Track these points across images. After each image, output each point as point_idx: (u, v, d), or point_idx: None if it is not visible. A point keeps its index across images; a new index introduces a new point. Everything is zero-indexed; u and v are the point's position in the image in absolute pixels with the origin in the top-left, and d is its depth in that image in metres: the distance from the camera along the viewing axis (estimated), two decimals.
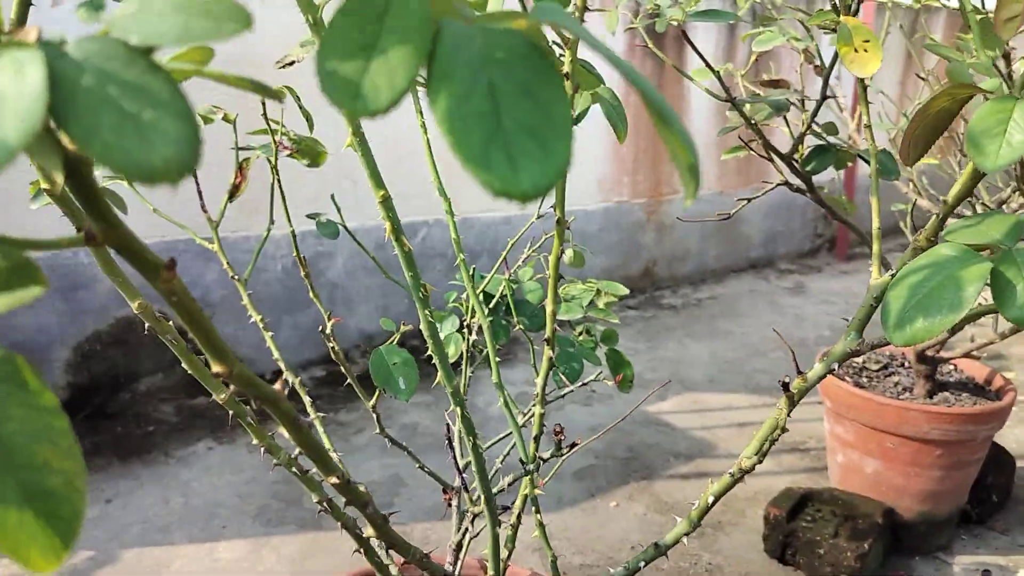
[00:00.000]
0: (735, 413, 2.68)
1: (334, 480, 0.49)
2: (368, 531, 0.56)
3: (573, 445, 0.90)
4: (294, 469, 0.89)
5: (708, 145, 3.98)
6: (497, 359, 1.03)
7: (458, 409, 0.78)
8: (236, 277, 1.08)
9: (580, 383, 1.25)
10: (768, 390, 2.86)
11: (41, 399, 0.28)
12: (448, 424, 1.07)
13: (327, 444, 1.02)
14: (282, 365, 1.09)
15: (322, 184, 2.69)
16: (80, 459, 0.28)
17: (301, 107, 0.98)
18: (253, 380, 0.43)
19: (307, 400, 1.07)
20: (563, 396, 1.22)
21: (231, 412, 0.83)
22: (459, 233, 1.05)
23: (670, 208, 3.94)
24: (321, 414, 1.07)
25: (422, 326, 0.74)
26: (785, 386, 0.71)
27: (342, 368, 0.99)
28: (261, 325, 1.06)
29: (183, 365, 0.79)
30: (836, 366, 0.83)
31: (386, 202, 0.66)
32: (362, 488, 0.52)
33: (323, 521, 1.97)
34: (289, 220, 1.15)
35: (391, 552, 1.12)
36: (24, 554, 0.26)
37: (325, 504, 0.90)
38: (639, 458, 2.33)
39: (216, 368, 0.41)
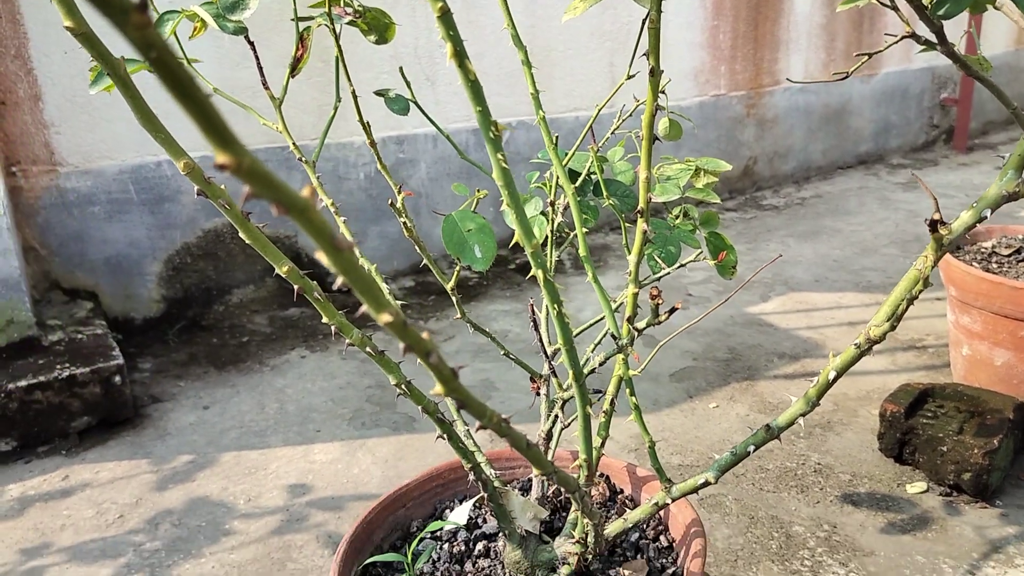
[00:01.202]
0: (843, 312, 2.51)
1: (387, 317, 0.40)
2: (436, 389, 0.47)
3: (673, 310, 0.80)
4: (368, 349, 0.83)
5: (812, 31, 3.69)
6: (585, 231, 0.93)
7: (539, 273, 0.69)
8: (320, 184, 1.00)
9: (678, 265, 1.15)
10: (881, 287, 2.67)
11: None
12: (533, 306, 0.98)
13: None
14: (377, 279, 1.02)
15: (399, 86, 2.59)
16: None
17: None
18: (269, 178, 0.34)
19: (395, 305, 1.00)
20: (658, 279, 1.11)
21: (324, 321, 0.77)
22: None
23: (772, 100, 3.69)
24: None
25: (495, 174, 0.64)
26: (933, 224, 0.59)
27: (421, 252, 0.91)
28: (348, 233, 0.98)
29: (273, 271, 0.73)
30: (988, 213, 0.70)
31: (445, 17, 0.56)
32: (425, 335, 0.44)
33: (416, 424, 1.95)
34: (357, 106, 1.05)
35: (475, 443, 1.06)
36: None
37: (404, 387, 0.83)
38: (740, 359, 2.22)
39: (220, 159, 0.33)
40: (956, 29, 3.90)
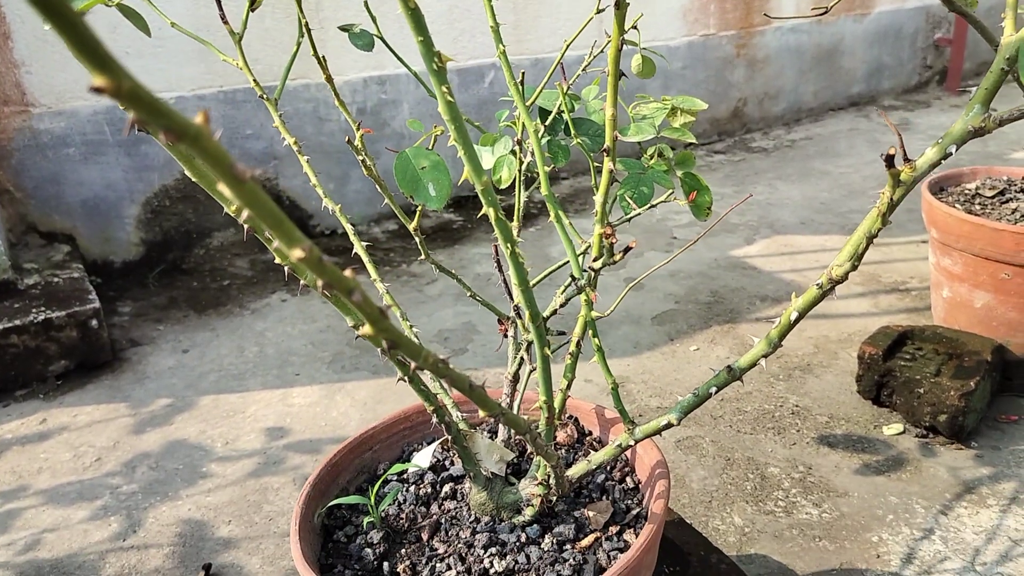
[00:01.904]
0: (828, 255, 2.50)
1: (299, 253, 0.38)
2: (364, 330, 0.46)
3: (627, 249, 0.78)
4: (322, 291, 0.81)
5: None
6: (547, 171, 0.90)
7: (491, 211, 0.67)
8: (296, 143, 0.96)
9: (649, 205, 1.13)
10: None
11: None
12: (496, 247, 0.96)
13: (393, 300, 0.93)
14: (342, 220, 1.00)
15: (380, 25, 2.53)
16: None
17: None
18: (156, 103, 0.32)
19: (363, 251, 0.98)
20: (628, 220, 1.10)
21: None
22: (531, 76, 0.91)
23: (762, 41, 3.62)
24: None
25: (440, 107, 0.62)
26: (889, 160, 0.57)
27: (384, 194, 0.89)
28: (312, 173, 0.96)
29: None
30: (954, 149, 0.68)
31: None
32: (349, 272, 0.42)
33: (395, 368, 1.94)
34: (312, 40, 1.01)
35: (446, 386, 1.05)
36: None
37: (358, 326, 0.82)
38: (722, 302, 2.21)
39: (97, 81, 0.31)
40: None
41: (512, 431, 1.03)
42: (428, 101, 2.82)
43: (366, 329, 0.48)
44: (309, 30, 0.91)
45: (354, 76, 2.65)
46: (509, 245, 0.69)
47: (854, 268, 0.72)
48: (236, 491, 1.54)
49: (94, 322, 1.93)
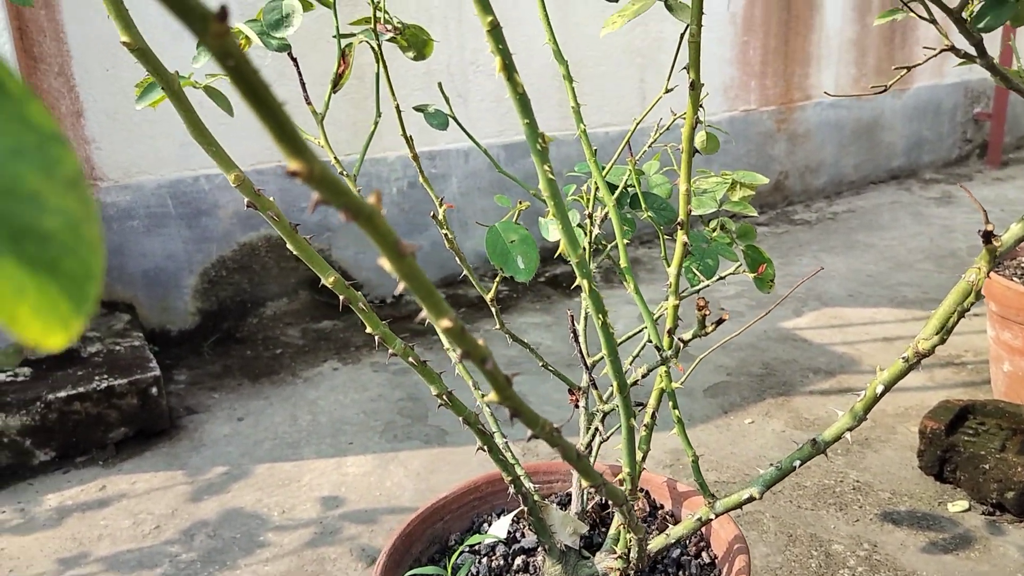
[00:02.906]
0: (879, 328, 2.48)
1: (446, 323, 0.40)
2: (490, 397, 0.47)
3: (720, 322, 0.80)
4: (411, 359, 0.83)
5: (843, 46, 3.67)
6: (626, 242, 0.93)
7: (584, 283, 0.69)
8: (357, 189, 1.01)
9: (717, 277, 1.14)
10: (916, 303, 2.64)
11: (26, 109, 0.20)
12: (572, 315, 0.98)
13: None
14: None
15: (431, 102, 2.61)
16: (89, 201, 0.21)
17: None
18: (338, 185, 0.35)
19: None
20: (697, 291, 1.11)
21: (360, 325, 0.77)
22: (576, 151, 0.94)
23: (802, 116, 3.67)
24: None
25: (541, 185, 0.64)
26: (987, 236, 0.58)
27: (458, 259, 0.91)
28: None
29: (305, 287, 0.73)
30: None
31: (495, 32, 0.56)
32: (480, 341, 0.44)
33: (448, 437, 1.95)
34: (401, 120, 1.05)
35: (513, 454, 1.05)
36: (9, 311, 0.19)
37: (445, 397, 0.83)
38: (775, 374, 2.20)
39: (293, 166, 0.33)
40: (992, 43, 3.85)
41: (584, 504, 1.03)
42: (475, 175, 2.89)
43: (491, 396, 0.49)
44: (399, 111, 0.95)
45: (406, 152, 2.72)
46: (600, 316, 0.71)
47: (942, 342, 0.72)
48: (294, 561, 1.54)
49: (154, 390, 1.96)
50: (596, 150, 1.01)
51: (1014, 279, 1.74)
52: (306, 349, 2.49)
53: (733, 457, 1.82)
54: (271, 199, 0.74)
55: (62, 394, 1.88)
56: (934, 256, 3.07)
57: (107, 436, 1.93)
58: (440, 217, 0.91)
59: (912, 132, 4.13)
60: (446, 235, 0.92)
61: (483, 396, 1.04)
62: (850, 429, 0.79)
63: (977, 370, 2.15)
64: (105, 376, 1.95)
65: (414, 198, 2.77)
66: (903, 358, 0.75)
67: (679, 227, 0.97)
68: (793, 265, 3.06)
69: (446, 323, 0.41)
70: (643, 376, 0.84)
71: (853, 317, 2.56)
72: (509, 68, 0.59)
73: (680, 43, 1.01)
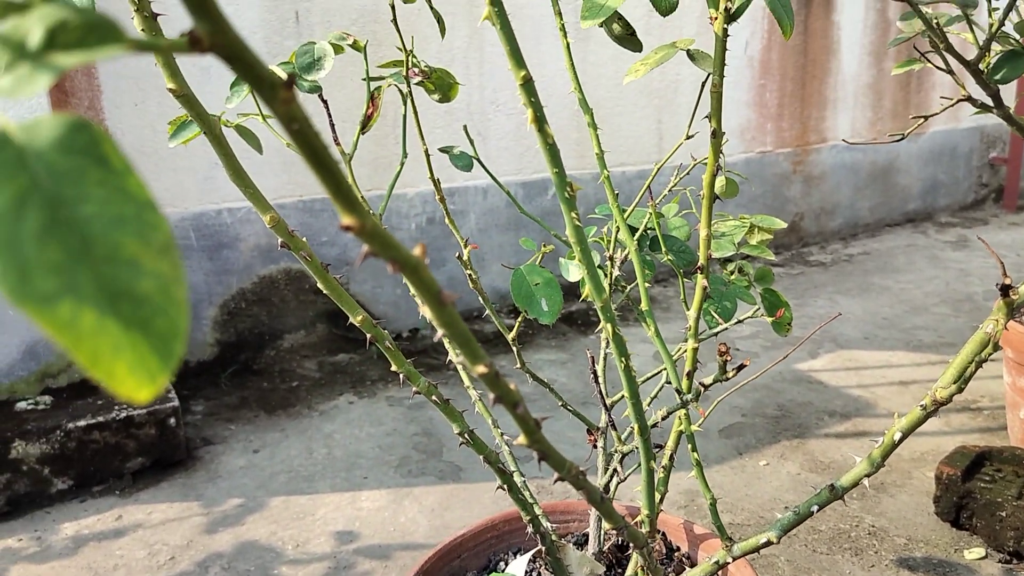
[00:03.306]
0: (894, 371, 2.48)
1: (481, 369, 0.42)
2: (520, 440, 0.49)
3: (741, 367, 0.81)
4: (434, 397, 0.84)
5: (859, 90, 3.71)
6: (647, 285, 0.94)
7: (608, 327, 0.70)
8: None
9: (735, 320, 1.16)
10: (932, 347, 2.63)
11: (127, 182, 0.22)
12: (592, 357, 0.99)
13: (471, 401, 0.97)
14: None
15: (452, 141, 2.65)
16: (179, 264, 0.23)
17: (432, 8, 0.92)
18: (388, 239, 0.37)
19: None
20: (716, 334, 1.12)
21: (373, 354, 0.79)
22: (593, 191, 0.97)
23: (818, 158, 3.70)
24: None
25: (568, 231, 0.66)
26: (1005, 289, 0.60)
27: (482, 298, 0.93)
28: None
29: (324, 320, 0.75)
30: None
31: (527, 85, 0.59)
32: (512, 386, 0.46)
33: (462, 473, 1.95)
34: (430, 164, 1.08)
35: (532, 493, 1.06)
36: (107, 368, 0.21)
37: (467, 436, 0.85)
38: (790, 416, 2.19)
39: (346, 221, 0.35)
40: (1008, 92, 3.88)
41: (601, 544, 1.03)
42: (493, 212, 2.92)
43: (521, 440, 0.51)
44: (428, 154, 0.97)
45: (425, 188, 2.76)
46: (623, 360, 0.72)
47: (960, 391, 0.73)
48: None
49: (172, 420, 1.98)
50: (618, 194, 1.04)
51: None
52: (322, 382, 2.50)
53: (748, 499, 1.81)
54: (304, 239, 0.76)
55: (82, 423, 1.90)
56: (950, 300, 3.07)
57: (124, 466, 1.95)
58: (465, 258, 0.93)
59: (928, 176, 4.15)
60: (470, 276, 0.94)
61: (501, 434, 1.05)
62: (868, 475, 0.80)
63: (993, 416, 2.14)
64: (124, 406, 1.97)
65: (432, 234, 2.80)
66: (921, 406, 0.76)
67: (699, 271, 0.99)
68: (808, 307, 3.06)
69: (482, 369, 0.43)
70: (663, 419, 0.85)
71: (869, 360, 2.56)
72: (540, 120, 0.61)
73: (701, 91, 1.03)
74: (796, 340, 2.73)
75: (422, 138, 0.96)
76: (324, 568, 1.62)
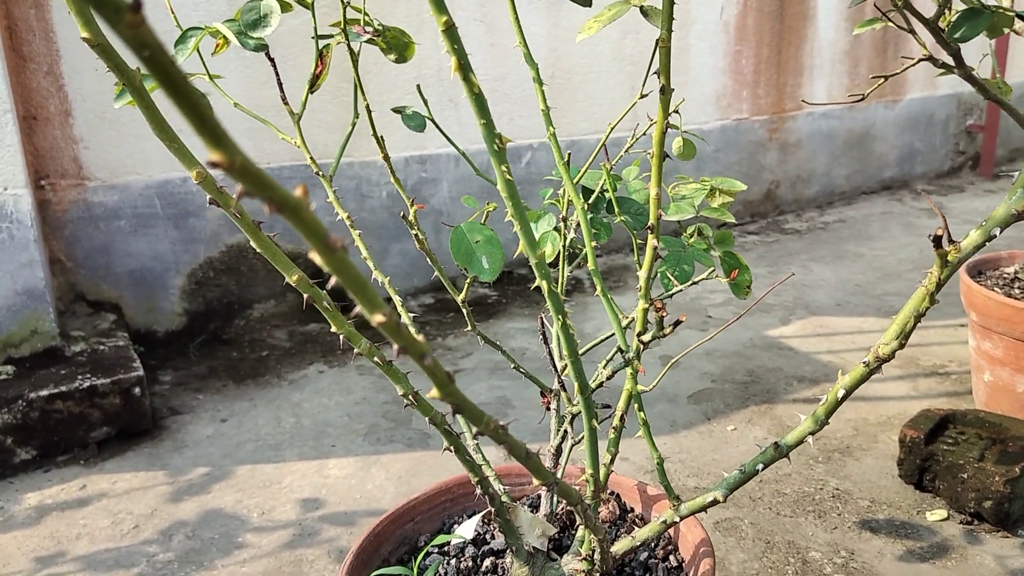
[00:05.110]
0: (865, 337, 2.49)
1: (379, 317, 0.41)
2: (432, 393, 0.48)
3: (677, 323, 0.80)
4: (375, 359, 0.83)
5: (836, 57, 3.69)
6: (594, 246, 0.93)
7: (544, 284, 0.69)
8: (349, 219, 1.02)
9: (691, 282, 1.15)
10: None
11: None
12: (543, 319, 0.98)
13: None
14: (390, 291, 1.03)
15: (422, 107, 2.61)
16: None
17: None
18: (261, 176, 0.35)
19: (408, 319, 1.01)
20: (671, 296, 1.11)
21: (342, 337, 0.77)
22: (566, 156, 0.94)
23: (794, 125, 3.68)
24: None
25: (499, 186, 0.65)
26: (937, 240, 0.59)
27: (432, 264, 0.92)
28: (362, 246, 1.00)
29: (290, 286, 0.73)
30: (997, 231, 0.70)
31: (450, 31, 0.57)
32: (421, 338, 0.45)
33: (430, 441, 1.95)
34: (372, 120, 1.06)
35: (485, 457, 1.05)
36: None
37: (411, 398, 0.84)
38: (759, 382, 2.20)
39: (213, 156, 0.34)
40: (977, 53, 3.88)
41: (554, 507, 1.03)
42: (466, 180, 2.89)
43: (433, 392, 0.49)
44: (370, 112, 0.95)
45: (396, 155, 2.73)
46: (560, 316, 0.71)
47: (901, 347, 0.73)
48: (271, 562, 1.54)
49: (137, 390, 1.96)
50: (569, 154, 1.02)
51: (995, 289, 1.75)
52: (292, 351, 2.49)
53: (715, 463, 1.82)
54: (232, 197, 0.74)
55: (44, 393, 1.88)
56: (922, 266, 3.08)
57: (89, 435, 1.93)
58: (411, 218, 0.91)
59: (904, 143, 4.14)
60: (416, 236, 0.92)
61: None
62: (812, 433, 0.79)
63: (960, 380, 2.15)
64: (88, 375, 1.95)
65: (403, 202, 2.78)
66: (864, 362, 0.75)
67: (649, 231, 0.97)
68: (782, 274, 3.06)
69: (379, 317, 0.41)
70: (608, 378, 0.84)
71: (840, 326, 2.57)
72: (464, 68, 0.59)
73: (655, 49, 1.01)
74: (766, 305, 2.73)
75: (363, 95, 0.94)
76: (289, 535, 1.62)
